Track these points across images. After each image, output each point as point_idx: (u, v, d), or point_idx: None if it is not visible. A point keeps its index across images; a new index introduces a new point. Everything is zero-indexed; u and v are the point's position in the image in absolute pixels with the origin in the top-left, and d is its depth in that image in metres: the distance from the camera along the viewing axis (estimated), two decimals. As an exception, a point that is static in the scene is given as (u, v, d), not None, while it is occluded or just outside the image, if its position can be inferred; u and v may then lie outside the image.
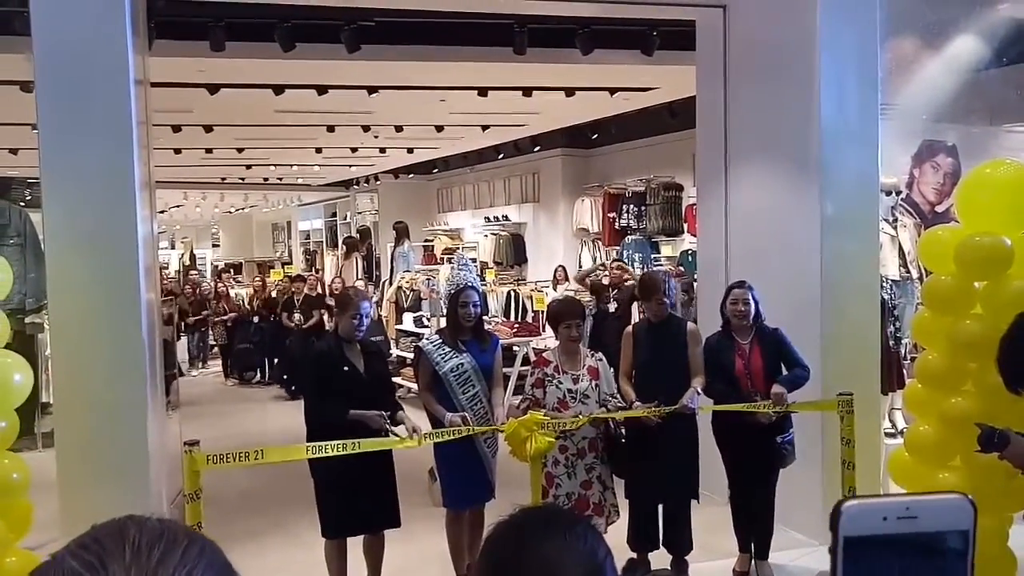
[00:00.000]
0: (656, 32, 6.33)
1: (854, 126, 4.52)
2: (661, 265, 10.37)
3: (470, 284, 3.94)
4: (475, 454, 3.80)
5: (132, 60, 3.78)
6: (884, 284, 5.17)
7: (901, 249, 5.67)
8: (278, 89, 7.59)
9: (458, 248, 13.18)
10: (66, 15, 3.64)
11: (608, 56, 6.60)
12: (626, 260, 10.78)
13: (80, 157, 3.70)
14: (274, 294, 10.98)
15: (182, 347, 11.62)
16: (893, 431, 5.53)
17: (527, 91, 8.03)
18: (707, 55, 5.31)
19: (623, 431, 3.87)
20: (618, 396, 3.93)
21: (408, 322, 9.45)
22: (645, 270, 10.28)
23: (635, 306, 8.75)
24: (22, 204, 9.54)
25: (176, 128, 8.99)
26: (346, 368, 3.64)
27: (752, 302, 4.01)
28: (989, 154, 5.01)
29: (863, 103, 4.54)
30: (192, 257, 21.10)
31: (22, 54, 4.14)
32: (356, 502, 3.61)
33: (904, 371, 5.51)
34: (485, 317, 8.42)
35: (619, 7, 5.29)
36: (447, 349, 3.85)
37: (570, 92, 8.12)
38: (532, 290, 10.35)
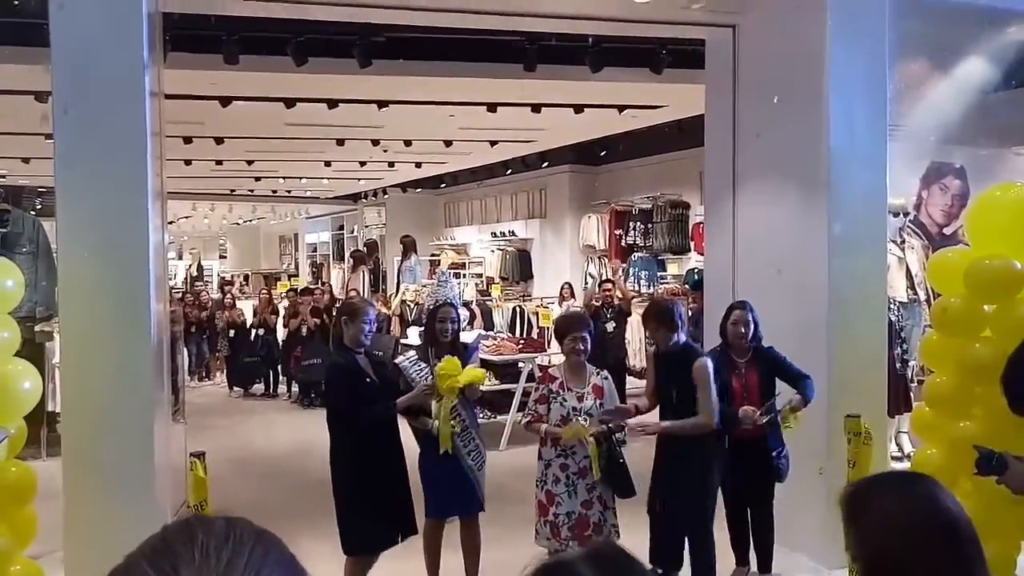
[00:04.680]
0: (665, 50, 6.37)
1: (863, 147, 4.53)
2: (667, 283, 10.38)
3: (449, 300, 4.02)
4: (459, 467, 3.84)
5: (148, 72, 3.82)
6: (891, 306, 5.16)
7: (908, 271, 5.66)
8: (289, 102, 7.65)
9: (464, 263, 13.21)
10: (85, 27, 3.68)
11: (617, 74, 6.65)
12: (632, 278, 10.81)
13: (95, 167, 3.74)
14: (281, 309, 10.98)
15: (184, 357, 11.63)
16: (900, 455, 5.50)
17: (536, 107, 8.08)
18: (716, 74, 5.34)
19: (622, 449, 3.84)
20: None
21: (413, 336, 9.45)
22: (652, 291, 10.31)
23: (632, 322, 8.79)
24: (33, 212, 9.61)
25: (187, 140, 9.06)
26: (368, 380, 3.69)
27: (752, 323, 4.02)
28: (997, 176, 5.01)
29: (872, 124, 4.56)
30: (199, 268, 21.18)
31: (40, 65, 4.18)
32: (381, 517, 3.67)
33: (911, 394, 5.49)
34: (490, 332, 8.38)
35: (629, 26, 5.32)
36: (423, 365, 3.90)
37: (579, 109, 8.17)
38: (538, 306, 10.35)
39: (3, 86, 6.68)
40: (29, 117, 6.88)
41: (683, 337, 3.87)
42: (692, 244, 10.22)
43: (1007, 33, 4.96)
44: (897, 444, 5.66)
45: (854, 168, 4.50)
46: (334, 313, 10.05)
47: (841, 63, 4.46)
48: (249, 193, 15.97)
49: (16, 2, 5.42)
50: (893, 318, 5.24)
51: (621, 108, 8.24)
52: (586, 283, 11.69)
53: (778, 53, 4.79)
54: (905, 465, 4.26)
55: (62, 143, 3.72)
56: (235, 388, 11.01)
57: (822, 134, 4.48)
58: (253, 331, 10.96)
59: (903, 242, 5.65)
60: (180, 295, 12.48)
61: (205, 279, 19.15)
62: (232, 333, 11.12)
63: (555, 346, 4.30)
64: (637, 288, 10.59)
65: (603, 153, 11.36)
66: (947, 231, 5.90)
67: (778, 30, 4.78)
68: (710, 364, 3.78)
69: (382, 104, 7.87)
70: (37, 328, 6.12)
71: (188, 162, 10.89)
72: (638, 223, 10.99)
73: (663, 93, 7.40)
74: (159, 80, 4.14)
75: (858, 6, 4.50)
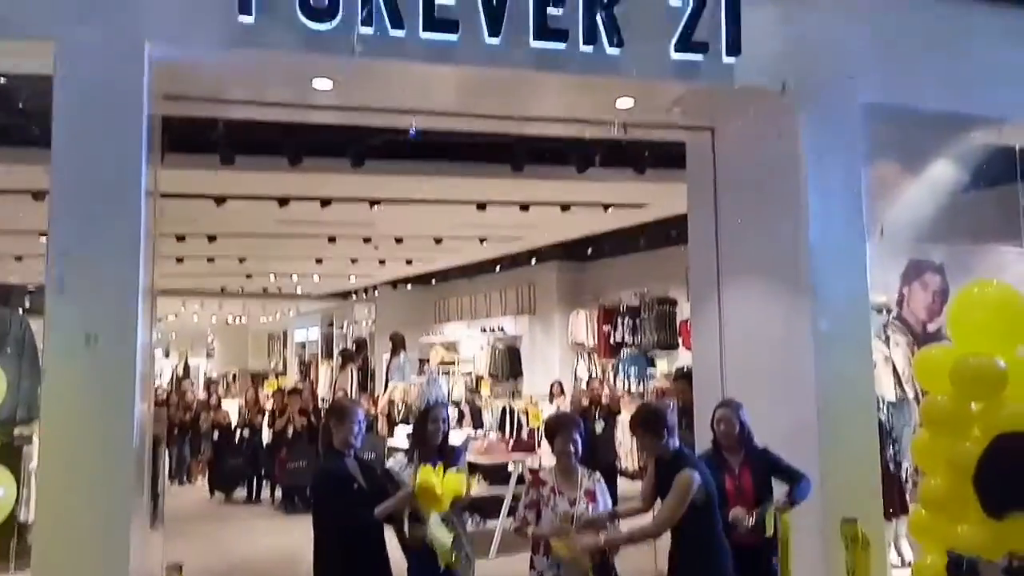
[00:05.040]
0: (648, 151, 6.61)
1: (842, 246, 4.63)
2: (656, 380, 10.33)
3: (441, 401, 4.00)
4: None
5: (145, 172, 3.91)
6: (880, 405, 5.14)
7: (895, 368, 5.67)
8: (283, 201, 7.81)
9: (454, 360, 13.14)
10: (87, 128, 3.78)
11: (602, 174, 6.86)
12: (621, 374, 10.77)
13: (87, 265, 3.75)
14: (267, 408, 10.79)
15: (165, 460, 11.33)
16: (899, 563, 5.32)
17: (524, 206, 8.28)
18: (697, 175, 5.51)
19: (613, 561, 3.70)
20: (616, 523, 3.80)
21: (400, 437, 9.25)
22: (642, 388, 10.25)
23: (622, 422, 8.68)
24: (22, 311, 9.56)
25: (180, 237, 9.17)
26: (356, 486, 3.57)
27: (737, 422, 3.98)
28: (975, 273, 5.11)
29: (849, 223, 4.68)
30: (186, 367, 20.96)
31: (40, 165, 4.28)
32: None
33: (907, 495, 5.38)
34: (479, 430, 8.24)
35: (612, 130, 5.54)
36: (412, 469, 3.83)
37: (565, 207, 8.38)
38: (528, 404, 10.24)
39: (1, 185, 6.80)
40: (26, 216, 6.96)
41: (675, 442, 3.71)
42: (680, 340, 10.25)
43: (972, 137, 5.19)
44: (897, 550, 5.49)
45: (834, 267, 4.59)
46: (322, 414, 9.91)
47: (816, 165, 4.63)
48: (240, 291, 16.04)
49: (21, 105, 5.60)
50: (883, 418, 5.21)
51: (606, 207, 8.46)
52: (575, 382, 11.63)
53: (756, 155, 4.97)
54: (906, 574, 4.12)
55: (57, 240, 3.76)
56: (217, 492, 10.68)
57: (801, 233, 4.59)
58: (238, 432, 10.73)
59: (888, 339, 5.69)
60: (165, 396, 12.28)
61: (191, 379, 18.92)
62: (217, 435, 10.87)
63: (546, 446, 4.22)
64: (627, 385, 10.54)
65: (590, 250, 11.56)
66: (931, 328, 5.94)
67: (755, 133, 4.97)
68: (696, 480, 3.51)
69: (374, 202, 8.05)
70: (16, 431, 5.98)
71: (180, 259, 10.98)
72: (626, 319, 11.06)
73: (647, 192, 7.62)
74: (156, 180, 4.24)
75: (830, 111, 4.71)
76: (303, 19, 3.87)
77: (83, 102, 3.76)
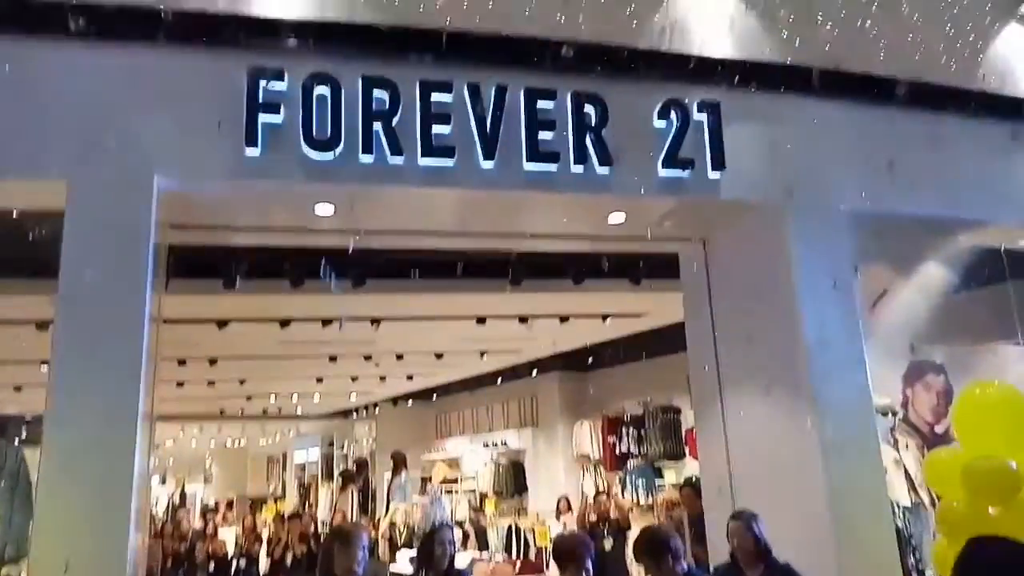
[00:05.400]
0: (642, 262, 6.74)
1: (840, 349, 4.64)
2: (664, 492, 10.06)
3: (446, 523, 3.91)
4: None
5: (149, 300, 3.97)
6: (896, 511, 5.00)
7: (907, 472, 5.56)
8: (284, 322, 7.87)
9: (456, 478, 12.84)
10: (94, 259, 3.85)
11: (598, 285, 6.96)
12: (629, 487, 10.49)
13: (88, 392, 3.73)
14: (265, 535, 10.45)
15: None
16: None
17: (523, 318, 8.35)
18: (692, 284, 5.59)
19: None
20: None
21: (403, 562, 8.91)
22: (651, 500, 9.95)
23: (632, 537, 8.38)
24: (18, 441, 9.42)
25: (181, 361, 9.17)
26: None
27: (751, 535, 3.86)
28: (976, 372, 5.11)
29: (845, 327, 4.71)
30: (182, 495, 20.38)
31: (44, 295, 4.34)
32: None
33: (933, 604, 5.14)
34: (485, 552, 7.96)
35: (605, 244, 5.67)
36: None
37: (564, 318, 8.44)
38: (535, 523, 9.92)
39: (5, 316, 6.88)
40: (28, 346, 7.00)
41: (684, 566, 3.60)
42: (687, 449, 10.06)
43: (958, 240, 5.32)
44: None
45: (834, 370, 4.58)
46: (321, 539, 9.56)
47: (808, 272, 4.71)
48: (239, 413, 15.86)
49: (31, 237, 5.75)
50: (900, 524, 5.05)
51: (605, 317, 8.53)
52: (584, 492, 11.32)
53: (748, 263, 5.07)
54: None
55: (59, 370, 3.76)
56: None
57: (799, 340, 4.61)
58: (235, 563, 10.34)
59: (896, 442, 5.60)
60: (159, 526, 11.88)
61: (188, 506, 18.36)
62: (212, 566, 10.46)
63: (554, 567, 4.06)
64: (636, 498, 10.25)
65: (591, 359, 11.54)
66: (939, 429, 5.86)
67: (745, 243, 5.09)
68: None
69: (375, 320, 8.12)
70: (4, 570, 5.77)
71: (180, 383, 10.93)
72: (631, 429, 10.90)
73: (643, 302, 7.70)
74: (159, 307, 4.29)
75: (816, 220, 4.83)
76: (306, 150, 4.06)
77: (92, 234, 3.86)
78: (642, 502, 10.13)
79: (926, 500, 5.44)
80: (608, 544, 8.03)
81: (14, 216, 4.65)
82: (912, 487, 5.47)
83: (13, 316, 6.83)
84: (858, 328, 4.74)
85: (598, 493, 9.48)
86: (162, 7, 3.99)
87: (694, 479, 9.10)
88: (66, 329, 3.81)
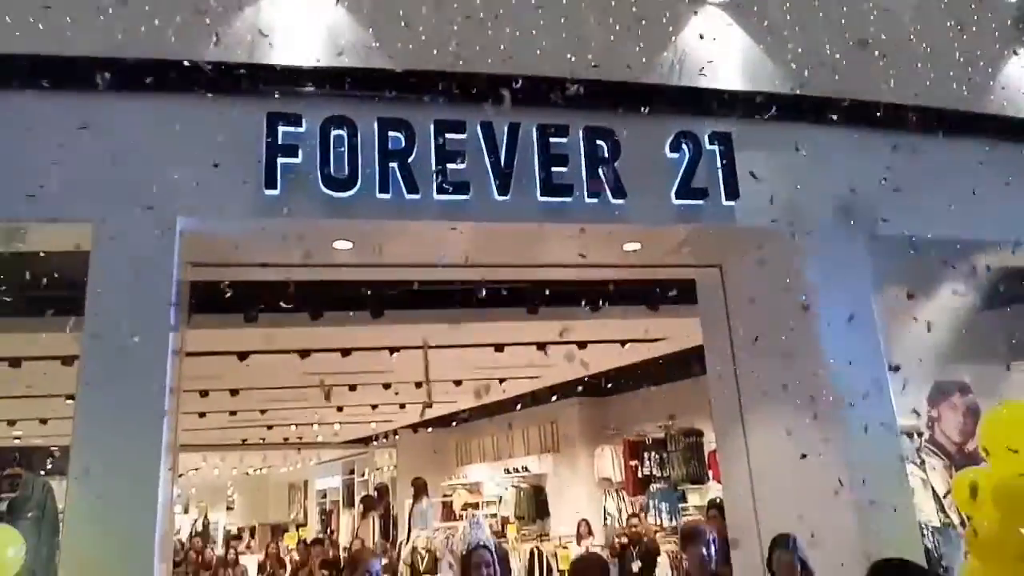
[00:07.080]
0: (659, 288, 6.73)
1: (862, 371, 4.62)
2: (691, 515, 9.97)
3: (483, 543, 3.89)
4: None
5: (173, 336, 4.04)
6: (925, 532, 4.93)
7: (935, 493, 5.48)
8: (304, 353, 7.94)
9: (477, 503, 12.80)
10: (119, 297, 3.95)
11: (615, 311, 6.97)
12: (653, 511, 10.41)
13: (112, 426, 3.79)
14: (288, 561, 10.48)
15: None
16: None
17: (541, 345, 8.36)
18: (709, 309, 5.59)
19: None
20: None
21: (427, 587, 8.91)
22: (675, 523, 9.87)
23: (661, 562, 8.30)
24: (43, 472, 9.53)
25: (204, 393, 9.27)
26: None
27: (798, 563, 3.82)
28: (1000, 391, 5.05)
29: (866, 349, 4.69)
30: (205, 523, 20.45)
31: (70, 333, 4.43)
32: None
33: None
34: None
35: (622, 271, 5.69)
36: None
37: (582, 345, 8.44)
38: (556, 546, 9.87)
39: (32, 352, 7.00)
40: (55, 380, 7.11)
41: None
42: (710, 473, 9.97)
43: (976, 261, 5.29)
44: None
45: (857, 392, 4.56)
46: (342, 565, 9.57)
47: (826, 296, 4.70)
48: (261, 442, 15.94)
49: (56, 275, 5.86)
50: (929, 545, 4.97)
51: (623, 342, 8.51)
52: (605, 520, 11.23)
53: (765, 287, 5.05)
54: None
55: (84, 402, 3.83)
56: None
57: (818, 362, 4.60)
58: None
59: (923, 463, 5.53)
60: (181, 557, 11.93)
61: (211, 534, 18.42)
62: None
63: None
64: (659, 521, 10.16)
65: (611, 384, 11.49)
66: (968, 448, 5.79)
67: (762, 268, 5.09)
68: None
69: (394, 350, 8.17)
70: (31, 601, 5.82)
71: (202, 414, 11.02)
72: (653, 453, 10.83)
73: (661, 327, 7.69)
74: (183, 342, 4.37)
75: (834, 245, 4.83)
76: (325, 189, 4.13)
77: (117, 273, 3.95)
78: (666, 525, 10.04)
79: (956, 520, 5.37)
80: (636, 567, 7.95)
81: (40, 255, 4.77)
82: (941, 507, 5.40)
83: (37, 352, 6.95)
84: (879, 349, 4.71)
85: (630, 515, 9.40)
86: (185, 60, 4.11)
87: (718, 500, 9.03)
88: (92, 364, 3.89)
